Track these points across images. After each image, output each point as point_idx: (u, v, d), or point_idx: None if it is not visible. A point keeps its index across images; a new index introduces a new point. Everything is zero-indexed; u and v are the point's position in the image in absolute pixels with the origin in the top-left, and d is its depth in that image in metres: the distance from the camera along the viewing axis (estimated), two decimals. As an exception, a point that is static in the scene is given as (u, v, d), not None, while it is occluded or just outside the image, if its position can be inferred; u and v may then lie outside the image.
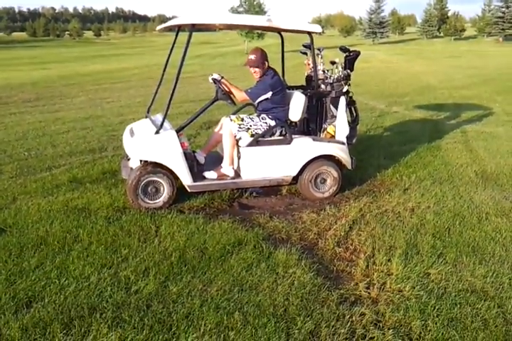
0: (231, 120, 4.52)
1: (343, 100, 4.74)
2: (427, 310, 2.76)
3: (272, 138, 4.55)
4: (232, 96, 4.48)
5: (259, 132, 4.48)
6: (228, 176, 4.48)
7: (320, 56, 5.13)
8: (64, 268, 3.20)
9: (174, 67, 4.25)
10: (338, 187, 4.66)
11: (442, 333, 2.56)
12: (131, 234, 3.72)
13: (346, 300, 2.89)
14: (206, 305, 2.77)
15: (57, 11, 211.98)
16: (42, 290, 2.94)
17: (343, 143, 4.71)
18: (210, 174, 4.46)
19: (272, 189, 4.84)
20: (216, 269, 3.18)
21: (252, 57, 4.46)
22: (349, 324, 2.62)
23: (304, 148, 4.53)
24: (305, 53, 5.50)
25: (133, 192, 4.19)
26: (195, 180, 4.32)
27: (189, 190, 4.34)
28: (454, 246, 3.55)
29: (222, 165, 4.52)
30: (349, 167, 4.76)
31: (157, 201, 4.28)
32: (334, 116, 4.81)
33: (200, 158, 4.66)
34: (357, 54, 5.09)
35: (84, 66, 24.26)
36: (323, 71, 5.04)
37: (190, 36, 4.20)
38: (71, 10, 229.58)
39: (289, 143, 4.50)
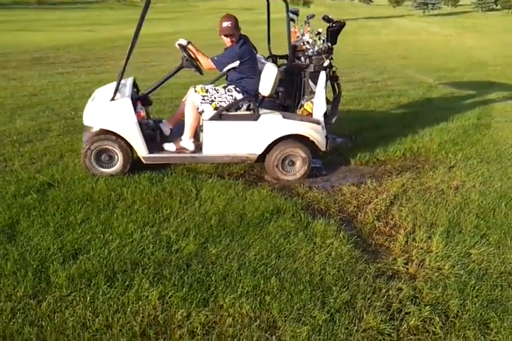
0: (195, 91, 4.23)
1: (322, 75, 4.33)
2: (466, 289, 2.71)
3: (238, 112, 4.26)
4: (198, 63, 4.21)
5: (224, 105, 4.19)
6: (187, 150, 4.25)
7: (307, 25, 4.72)
8: (108, 224, 3.32)
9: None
10: (307, 171, 4.30)
11: (481, 313, 2.52)
12: (173, 195, 3.80)
13: (383, 274, 2.88)
14: (244, 269, 2.82)
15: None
16: (87, 243, 3.06)
17: (317, 122, 4.31)
18: (168, 146, 4.26)
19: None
20: (254, 235, 3.22)
21: (228, 24, 4.08)
22: (385, 297, 2.62)
23: (272, 126, 4.20)
24: (292, 20, 4.96)
25: (85, 159, 4.09)
26: (151, 151, 4.15)
27: (144, 162, 4.18)
28: (498, 228, 3.45)
29: (182, 137, 4.29)
30: (322, 149, 4.36)
31: (112, 169, 4.15)
32: (313, 92, 4.40)
33: (166, 129, 4.47)
34: (341, 25, 4.55)
35: (128, 29, 24.28)
36: (305, 42, 4.60)
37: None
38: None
39: (256, 119, 4.18)
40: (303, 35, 4.75)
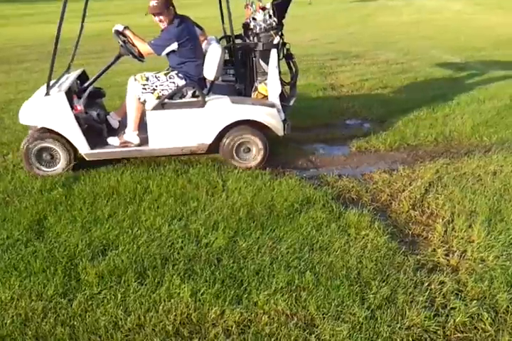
0: (135, 79, 3.97)
1: (274, 53, 4.04)
2: (513, 282, 2.56)
3: (183, 100, 4.00)
4: (137, 50, 3.93)
5: (167, 94, 3.95)
6: (132, 143, 4.03)
7: (259, 1, 4.38)
8: (136, 218, 3.25)
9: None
10: (264, 157, 4.07)
11: (532, 308, 2.37)
12: (199, 187, 3.71)
13: (423, 266, 2.74)
14: (276, 263, 2.72)
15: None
16: (116, 238, 3.01)
17: (271, 106, 4.03)
18: (112, 140, 4.05)
19: (339, 146, 4.65)
20: (285, 227, 3.11)
21: (154, 3, 3.82)
22: (428, 292, 2.48)
23: (220, 112, 3.95)
24: None
25: (25, 160, 3.91)
26: (93, 147, 3.95)
27: (87, 159, 3.98)
28: (543, 215, 3.25)
29: (125, 130, 4.07)
30: (279, 133, 4.10)
31: (54, 168, 3.97)
32: (266, 73, 4.11)
33: (114, 121, 4.25)
34: None
35: (146, 17, 24.11)
36: (251, 19, 4.27)
37: None
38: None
39: (202, 105, 3.93)
40: (256, 12, 4.37)
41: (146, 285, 2.57)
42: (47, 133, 3.91)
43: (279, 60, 4.13)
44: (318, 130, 5.10)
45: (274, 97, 4.07)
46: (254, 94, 4.25)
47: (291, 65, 4.41)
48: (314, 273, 2.62)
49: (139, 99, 3.97)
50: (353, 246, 2.89)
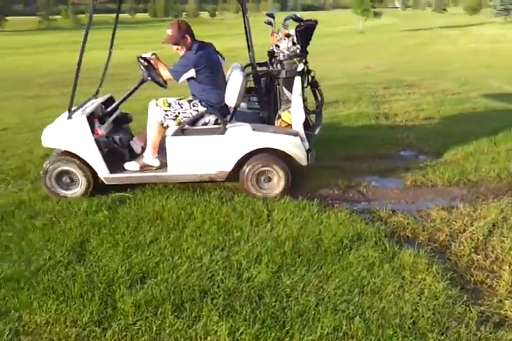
0: (156, 105, 3.94)
1: (297, 81, 3.92)
2: None
3: (203, 126, 3.95)
4: (159, 76, 3.94)
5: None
6: (152, 166, 4.01)
7: (285, 28, 4.24)
8: (177, 245, 3.16)
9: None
10: (285, 188, 3.90)
11: None
12: (243, 216, 3.58)
13: (488, 319, 2.44)
14: (323, 305, 2.51)
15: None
16: (155, 266, 2.91)
17: (294, 134, 3.89)
18: (130, 165, 4.01)
19: (393, 179, 4.41)
20: (333, 265, 2.90)
21: (169, 32, 3.85)
22: (494, 351, 2.20)
23: (240, 140, 3.85)
24: (269, 23, 4.55)
25: (44, 182, 3.93)
26: (113, 171, 3.92)
27: (106, 183, 3.95)
28: None
29: (144, 154, 4.04)
30: (303, 163, 3.94)
31: (74, 191, 3.96)
32: (289, 101, 3.99)
33: (136, 146, 4.21)
34: (311, 24, 3.97)
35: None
36: (276, 46, 4.17)
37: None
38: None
39: (223, 132, 3.85)
40: (282, 39, 4.27)
41: (182, 318, 2.43)
42: (67, 156, 3.95)
43: (303, 87, 4.05)
44: (370, 161, 4.88)
45: (298, 126, 3.96)
46: (277, 122, 4.15)
47: (317, 93, 4.32)
48: (364, 319, 2.40)
49: (162, 124, 3.97)
50: (408, 292, 2.64)
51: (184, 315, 2.45)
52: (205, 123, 3.98)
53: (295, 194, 4.05)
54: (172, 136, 3.88)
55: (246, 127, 3.91)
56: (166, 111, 3.93)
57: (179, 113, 3.95)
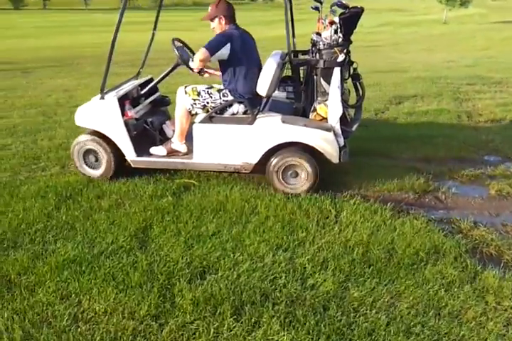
0: (185, 92, 3.81)
1: (336, 72, 3.59)
2: None
3: (231, 115, 3.78)
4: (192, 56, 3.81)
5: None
6: (180, 152, 3.95)
7: (332, 13, 3.83)
8: (240, 240, 3.03)
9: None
10: (313, 185, 3.68)
11: None
12: (309, 214, 3.39)
13: None
14: (394, 325, 2.29)
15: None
16: (216, 261, 2.81)
17: (327, 129, 3.60)
18: (158, 150, 3.95)
19: (476, 186, 4.02)
20: (407, 280, 2.65)
21: (209, 8, 3.72)
22: None
23: (268, 131, 3.64)
24: (316, 9, 4.29)
25: (74, 158, 4.03)
26: (140, 154, 3.89)
27: (132, 165, 3.95)
28: None
29: (172, 140, 3.96)
30: (334, 161, 3.65)
31: (96, 171, 4.00)
32: (327, 93, 3.68)
33: (168, 130, 4.17)
34: (356, 12, 3.56)
35: (277, 29, 24.60)
36: (316, 34, 3.89)
37: None
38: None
39: (251, 123, 3.66)
40: (327, 26, 3.85)
41: (242, 323, 2.30)
42: (96, 136, 3.94)
43: (342, 79, 3.71)
44: (451, 164, 4.49)
45: (334, 120, 3.67)
46: (312, 115, 3.86)
47: (358, 86, 3.96)
48: (441, 347, 2.15)
49: (190, 111, 3.89)
50: (493, 320, 2.35)
51: (244, 319, 2.32)
52: (234, 114, 3.83)
53: (366, 195, 3.80)
54: (199, 123, 3.79)
55: (276, 118, 3.72)
56: (194, 99, 3.82)
57: (208, 102, 3.82)
